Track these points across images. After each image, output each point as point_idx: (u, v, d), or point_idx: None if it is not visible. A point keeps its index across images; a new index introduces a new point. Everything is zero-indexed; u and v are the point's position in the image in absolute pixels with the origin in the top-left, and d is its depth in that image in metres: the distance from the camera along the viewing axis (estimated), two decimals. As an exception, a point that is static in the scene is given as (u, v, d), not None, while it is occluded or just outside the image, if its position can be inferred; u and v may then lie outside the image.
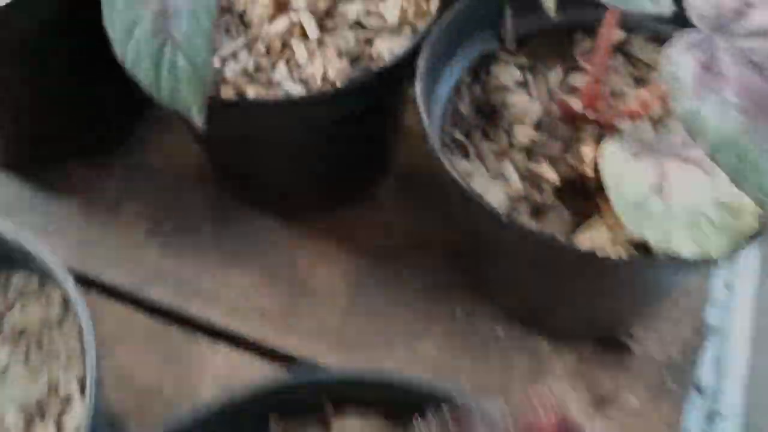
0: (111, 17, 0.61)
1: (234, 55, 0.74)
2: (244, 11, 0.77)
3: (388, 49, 0.71)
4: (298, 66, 0.71)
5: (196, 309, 0.79)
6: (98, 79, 0.84)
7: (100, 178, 0.91)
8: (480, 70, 0.74)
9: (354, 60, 0.71)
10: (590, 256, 0.57)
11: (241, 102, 0.67)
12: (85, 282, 0.81)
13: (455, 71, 0.72)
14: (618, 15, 0.60)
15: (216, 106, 0.61)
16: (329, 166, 0.80)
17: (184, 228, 0.86)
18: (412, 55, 0.67)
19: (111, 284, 0.81)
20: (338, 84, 0.69)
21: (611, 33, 0.64)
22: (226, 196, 0.87)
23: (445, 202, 0.69)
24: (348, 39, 0.72)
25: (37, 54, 0.78)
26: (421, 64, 0.65)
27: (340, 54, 0.70)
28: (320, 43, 0.72)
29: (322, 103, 0.66)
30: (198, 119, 0.59)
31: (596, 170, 0.64)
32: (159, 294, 0.80)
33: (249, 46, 0.74)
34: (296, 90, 0.68)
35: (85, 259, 0.83)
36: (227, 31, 0.76)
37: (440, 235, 0.83)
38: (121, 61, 0.60)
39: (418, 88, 0.65)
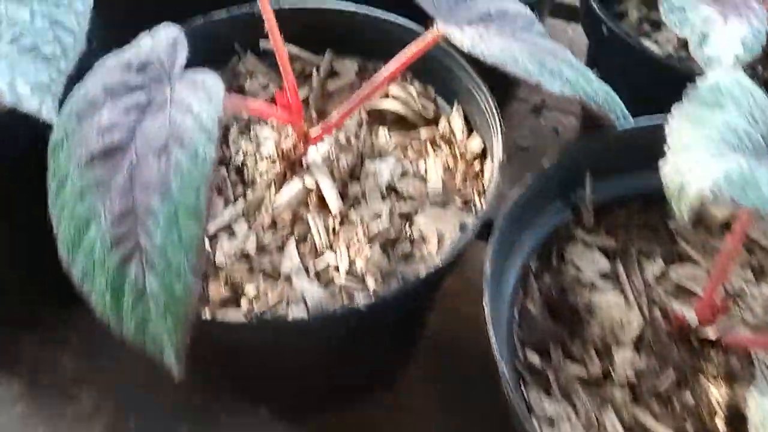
0: (56, 202, 0.43)
1: (229, 229, 0.56)
2: (244, 164, 0.60)
3: (433, 230, 0.53)
4: (315, 251, 0.53)
5: None
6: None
7: (53, 354, 0.72)
8: (552, 252, 0.56)
9: (389, 245, 0.53)
10: None
11: (234, 327, 0.49)
12: None
13: (520, 255, 0.54)
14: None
15: (202, 327, 0.43)
16: (344, 370, 0.61)
17: (152, 429, 0.67)
18: (467, 244, 0.49)
19: None
20: (368, 280, 0.51)
21: (745, 228, 0.47)
22: (210, 387, 0.68)
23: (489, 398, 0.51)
24: (380, 213, 0.54)
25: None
26: (489, 266, 0.48)
27: (370, 236, 0.53)
28: (344, 218, 0.55)
29: (344, 325, 0.48)
30: (175, 366, 0.40)
31: (732, 424, 0.46)
32: None
33: (249, 215, 0.56)
34: (312, 292, 0.50)
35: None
36: (220, 191, 0.58)
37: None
38: (67, 271, 0.42)
39: (486, 298, 0.47)
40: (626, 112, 0.55)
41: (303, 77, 0.68)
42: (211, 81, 0.41)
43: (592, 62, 0.82)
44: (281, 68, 0.54)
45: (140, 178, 0.40)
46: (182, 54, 0.43)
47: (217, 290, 0.51)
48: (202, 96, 0.40)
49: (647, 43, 0.76)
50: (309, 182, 0.56)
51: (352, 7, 0.67)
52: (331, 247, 0.53)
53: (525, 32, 0.56)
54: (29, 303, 0.75)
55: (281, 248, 0.54)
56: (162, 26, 0.46)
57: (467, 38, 0.49)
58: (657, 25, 0.79)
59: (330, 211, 0.54)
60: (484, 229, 0.51)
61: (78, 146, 0.42)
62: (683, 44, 0.76)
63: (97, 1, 0.58)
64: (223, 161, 0.61)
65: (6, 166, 0.60)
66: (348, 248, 0.52)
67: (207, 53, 0.67)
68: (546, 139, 0.94)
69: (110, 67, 0.44)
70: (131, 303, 0.40)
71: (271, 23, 0.52)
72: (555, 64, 0.51)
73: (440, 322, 0.70)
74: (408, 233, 0.54)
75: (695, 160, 0.40)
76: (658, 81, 0.67)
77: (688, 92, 0.43)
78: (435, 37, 0.53)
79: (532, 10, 0.64)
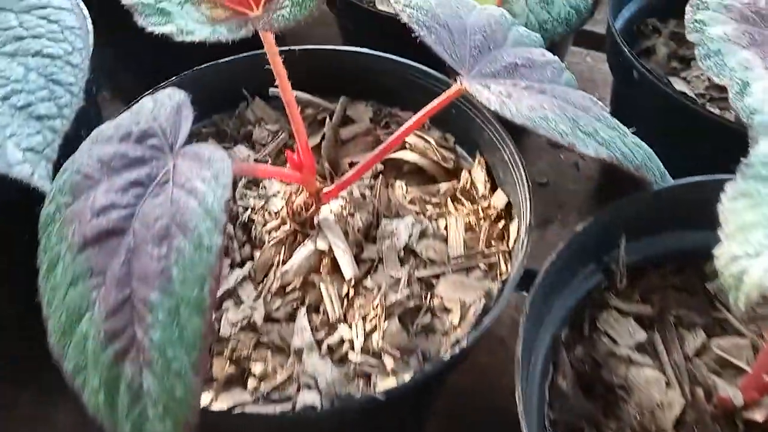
0: (47, 283, 0.40)
1: (234, 294, 0.52)
2: (252, 221, 0.56)
3: (456, 299, 0.49)
4: (328, 322, 0.49)
5: None
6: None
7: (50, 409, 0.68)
8: (583, 320, 0.52)
9: (408, 316, 0.49)
10: None
11: (239, 418, 0.45)
12: None
13: (550, 324, 0.50)
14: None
15: (204, 417, 0.39)
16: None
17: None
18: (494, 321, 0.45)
19: None
20: (386, 359, 0.47)
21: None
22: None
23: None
24: (398, 279, 0.50)
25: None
26: (521, 346, 0.44)
27: (387, 307, 0.49)
28: (359, 285, 0.51)
29: (359, 412, 0.44)
30: (175, 473, 0.36)
31: None
32: None
33: (257, 280, 0.52)
34: (324, 372, 0.46)
35: None
36: (226, 251, 0.55)
37: None
38: (57, 362, 0.39)
39: (518, 380, 0.43)
40: (664, 171, 0.51)
41: (315, 123, 0.64)
42: (218, 157, 0.37)
43: (617, 99, 0.78)
44: (293, 127, 0.50)
45: (138, 266, 0.36)
46: (186, 123, 0.40)
47: (222, 367, 0.48)
48: (208, 175, 0.36)
49: (677, 82, 0.72)
50: (321, 245, 0.52)
51: (365, 50, 0.63)
52: (345, 318, 0.49)
53: (554, 83, 0.52)
54: (28, 339, 0.72)
55: (291, 318, 0.50)
56: (166, 89, 0.42)
57: (494, 97, 0.45)
58: (686, 61, 0.75)
59: (344, 277, 0.51)
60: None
61: (71, 225, 0.39)
62: (716, 84, 0.72)
63: (96, 47, 0.55)
64: (229, 217, 0.57)
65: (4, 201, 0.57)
66: (363, 320, 0.48)
67: (213, 99, 0.64)
68: (566, 176, 0.89)
69: (107, 135, 0.40)
70: (127, 403, 0.36)
71: (281, 78, 0.48)
72: (589, 123, 0.47)
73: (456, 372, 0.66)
74: (428, 303, 0.50)
75: (755, 246, 0.36)
76: (695, 128, 0.63)
77: (740, 167, 0.39)
78: (458, 92, 0.50)
79: (554, 48, 0.61)
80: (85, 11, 0.56)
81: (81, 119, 0.51)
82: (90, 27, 0.52)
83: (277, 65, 0.47)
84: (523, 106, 0.45)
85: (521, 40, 0.55)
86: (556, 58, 0.55)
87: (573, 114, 0.47)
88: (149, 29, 0.41)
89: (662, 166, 0.52)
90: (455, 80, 0.51)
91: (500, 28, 0.54)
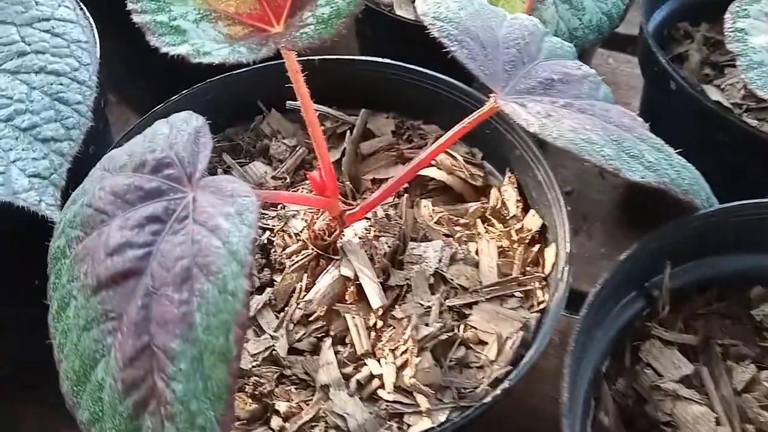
0: (58, 324, 0.37)
1: (254, 322, 0.49)
2: (271, 243, 0.53)
3: (491, 330, 0.47)
4: (355, 356, 0.46)
5: None
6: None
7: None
8: (625, 349, 0.49)
9: (440, 349, 0.46)
10: None
11: None
12: None
13: (592, 356, 0.47)
14: None
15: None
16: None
17: None
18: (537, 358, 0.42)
19: None
20: (419, 398, 0.44)
21: None
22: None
23: None
24: (429, 309, 0.47)
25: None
26: (567, 387, 0.41)
27: (418, 340, 0.46)
28: (387, 315, 0.48)
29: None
30: None
31: None
32: None
33: (276, 306, 0.50)
34: (354, 412, 0.43)
35: None
36: (244, 276, 0.52)
37: None
38: (71, 410, 0.36)
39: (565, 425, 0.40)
40: (710, 194, 0.48)
41: (334, 137, 0.61)
42: (242, 192, 0.34)
43: (647, 106, 0.75)
44: (316, 149, 0.47)
45: (158, 311, 0.33)
46: (205, 151, 0.37)
47: (244, 404, 0.45)
48: (231, 211, 0.33)
49: (710, 91, 0.69)
50: (346, 271, 0.49)
51: (386, 60, 0.60)
52: (373, 351, 0.46)
53: (592, 99, 0.49)
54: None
55: (315, 350, 0.47)
56: (182, 113, 0.39)
57: (534, 119, 0.42)
58: (720, 68, 0.72)
59: (370, 307, 0.48)
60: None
61: (83, 263, 0.36)
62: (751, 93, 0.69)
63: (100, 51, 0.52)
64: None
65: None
66: (393, 354, 0.45)
67: (227, 111, 0.61)
68: (590, 184, 0.86)
69: (120, 164, 0.37)
70: (147, 461, 0.33)
71: (304, 98, 0.45)
72: (634, 145, 0.44)
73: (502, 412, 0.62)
74: (462, 334, 0.47)
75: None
76: (730, 140, 0.60)
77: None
78: (492, 110, 0.47)
79: (582, 55, 0.58)
80: (91, 20, 0.52)
81: (89, 135, 0.48)
82: (96, 38, 0.49)
83: (300, 86, 0.44)
84: (564, 128, 0.42)
85: (555, 52, 0.52)
86: (593, 71, 0.52)
87: (617, 135, 0.44)
88: (163, 50, 0.38)
89: (708, 189, 0.49)
90: (488, 97, 0.48)
91: (533, 40, 0.51)
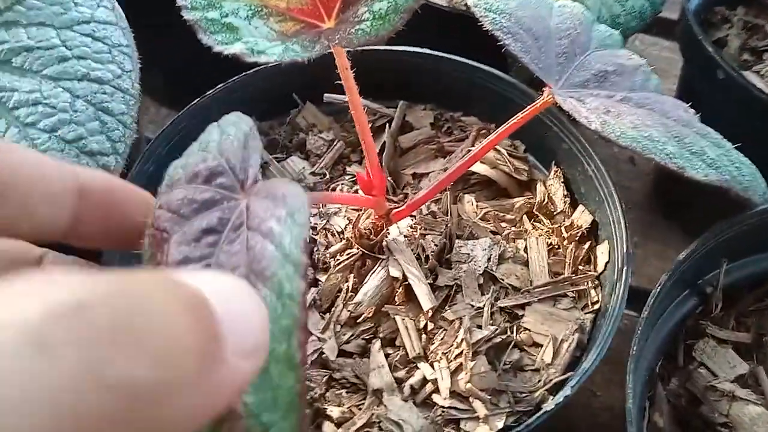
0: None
1: (300, 325, 0.48)
2: (312, 241, 0.52)
3: (546, 332, 0.46)
4: (406, 359, 0.45)
5: None
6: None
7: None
8: (678, 349, 0.48)
9: (495, 352, 0.45)
10: None
11: None
12: None
13: (646, 355, 0.47)
14: None
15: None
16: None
17: None
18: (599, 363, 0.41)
19: None
20: (476, 404, 0.43)
21: None
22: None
23: None
24: (480, 310, 0.46)
25: None
26: (631, 397, 0.40)
27: (472, 344, 0.45)
28: (437, 317, 0.47)
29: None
30: None
31: None
32: None
33: (322, 307, 0.49)
34: (410, 419, 0.42)
35: None
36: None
37: None
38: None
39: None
40: (766, 188, 0.47)
41: (373, 130, 0.59)
42: (293, 193, 0.32)
43: (686, 92, 0.73)
44: (363, 147, 0.45)
45: None
46: (256, 156, 0.35)
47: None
48: (283, 213, 0.32)
49: (750, 77, 0.67)
50: (394, 272, 0.48)
51: (424, 50, 0.58)
52: (425, 354, 0.45)
53: (644, 90, 0.48)
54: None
55: (364, 352, 0.46)
56: (232, 116, 0.37)
57: (593, 115, 0.41)
58: (758, 53, 0.70)
59: (420, 308, 0.47)
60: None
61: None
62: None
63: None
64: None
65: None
66: (446, 357, 0.45)
67: (264, 106, 0.59)
68: (621, 172, 0.85)
69: (176, 177, 0.36)
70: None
71: (353, 93, 0.43)
72: (695, 141, 0.43)
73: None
74: (515, 336, 0.46)
75: None
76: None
77: None
78: (546, 104, 0.45)
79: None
80: (126, 22, 0.50)
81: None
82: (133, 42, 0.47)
83: (350, 83, 0.43)
84: (626, 125, 0.41)
85: (605, 42, 0.51)
86: (644, 60, 0.50)
87: (677, 131, 0.43)
88: (216, 49, 0.37)
89: (765, 184, 0.47)
90: (539, 91, 0.47)
91: (584, 30, 0.49)
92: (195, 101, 0.55)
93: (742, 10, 0.74)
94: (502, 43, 0.44)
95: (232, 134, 0.37)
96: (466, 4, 0.56)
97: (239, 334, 0.23)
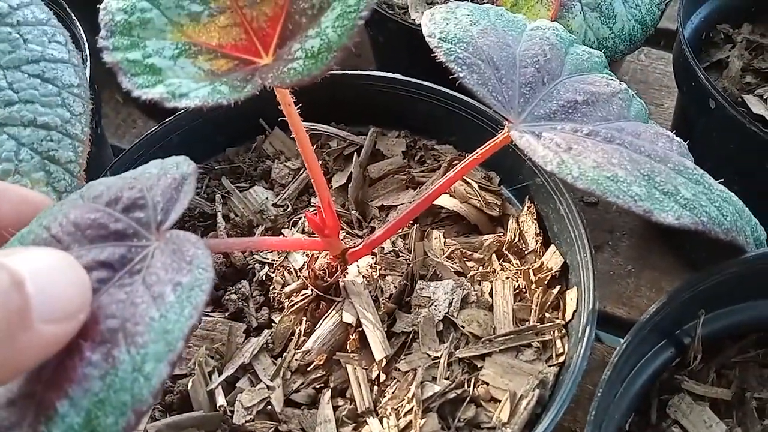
0: None
1: (250, 369, 0.46)
2: (270, 279, 0.49)
3: (504, 386, 0.42)
4: (355, 413, 0.42)
5: None
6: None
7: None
8: (651, 405, 0.45)
9: (448, 407, 0.42)
10: None
11: None
12: None
13: (615, 412, 0.43)
14: None
15: None
16: None
17: None
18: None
19: None
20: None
21: None
22: None
23: None
24: (436, 360, 0.43)
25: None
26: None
27: (424, 399, 0.41)
28: (390, 367, 0.44)
29: None
30: None
31: None
32: None
33: (274, 351, 0.46)
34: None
35: None
36: (242, 315, 0.48)
37: None
38: None
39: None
40: (757, 228, 0.43)
41: (341, 159, 0.57)
42: (200, 263, 0.30)
43: (682, 115, 0.69)
44: (313, 184, 0.43)
45: (61, 367, 0.29)
46: (185, 200, 0.33)
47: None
48: (183, 282, 0.29)
49: (752, 102, 0.63)
50: (348, 317, 0.45)
51: (397, 75, 0.55)
52: (375, 408, 0.42)
53: (621, 120, 0.44)
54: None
55: (314, 403, 0.44)
56: (179, 157, 0.35)
57: (551, 154, 0.38)
58: (763, 75, 0.66)
59: (373, 356, 0.44)
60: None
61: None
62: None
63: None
64: (245, 273, 0.50)
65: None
66: (396, 413, 0.42)
67: (229, 131, 0.57)
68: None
69: (96, 193, 0.34)
70: None
71: (298, 131, 0.41)
72: (668, 179, 0.39)
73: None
74: (472, 390, 0.42)
75: None
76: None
77: None
78: (506, 140, 0.42)
79: (611, 64, 0.52)
80: (81, 56, 0.48)
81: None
82: (88, 75, 0.45)
83: (294, 120, 0.40)
84: (587, 164, 0.37)
85: (581, 65, 0.47)
86: (624, 86, 0.47)
87: (648, 168, 0.39)
88: (135, 94, 0.34)
89: (754, 223, 0.43)
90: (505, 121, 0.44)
91: (556, 55, 0.46)
92: (153, 129, 0.53)
93: (748, 28, 0.70)
94: (455, 76, 0.41)
95: (170, 173, 0.35)
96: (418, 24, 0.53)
97: (48, 303, 0.27)
